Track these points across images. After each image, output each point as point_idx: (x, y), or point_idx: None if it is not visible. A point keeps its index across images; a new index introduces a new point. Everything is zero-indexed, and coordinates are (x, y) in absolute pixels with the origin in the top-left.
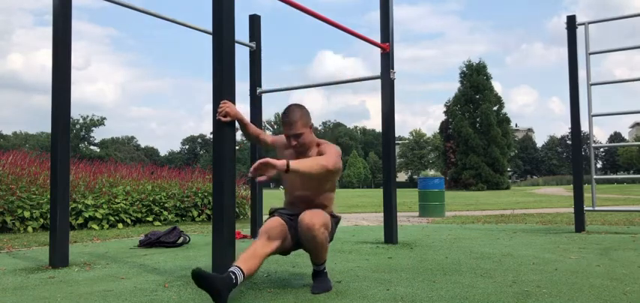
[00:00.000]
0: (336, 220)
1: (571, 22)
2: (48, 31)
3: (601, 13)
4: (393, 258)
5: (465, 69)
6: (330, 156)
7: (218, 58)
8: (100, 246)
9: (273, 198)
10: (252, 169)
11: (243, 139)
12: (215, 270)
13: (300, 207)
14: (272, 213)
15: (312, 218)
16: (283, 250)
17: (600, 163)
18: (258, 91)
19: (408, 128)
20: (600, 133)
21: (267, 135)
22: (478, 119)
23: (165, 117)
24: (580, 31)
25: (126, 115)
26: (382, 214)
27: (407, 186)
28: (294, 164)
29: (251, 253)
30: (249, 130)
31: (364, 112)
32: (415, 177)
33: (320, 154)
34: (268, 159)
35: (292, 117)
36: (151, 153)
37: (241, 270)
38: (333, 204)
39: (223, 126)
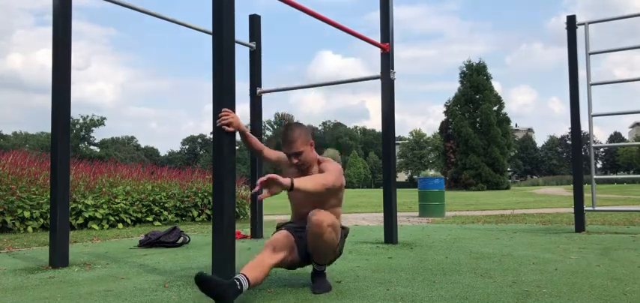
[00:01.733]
0: (344, 232)
1: (571, 22)
2: (48, 31)
3: (600, 13)
4: (393, 258)
5: (465, 69)
6: (330, 173)
7: (218, 58)
8: (100, 246)
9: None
10: (259, 182)
11: None
12: (215, 270)
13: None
14: (279, 227)
15: (321, 216)
16: (290, 264)
17: (600, 163)
18: (258, 91)
19: (408, 128)
20: (600, 133)
21: (271, 151)
22: (478, 119)
23: (165, 117)
24: (580, 31)
25: (126, 115)
26: (382, 214)
27: (407, 186)
28: (298, 183)
29: (257, 263)
30: (252, 143)
31: (364, 112)
32: (415, 177)
33: (321, 172)
34: (276, 176)
35: (291, 136)
36: (150, 153)
37: (247, 278)
38: (340, 218)
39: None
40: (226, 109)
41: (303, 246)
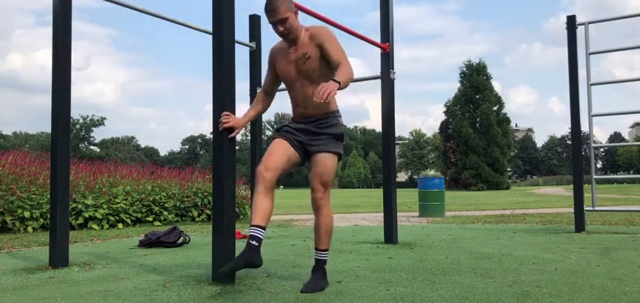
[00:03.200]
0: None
1: (571, 23)
2: (48, 31)
3: (599, 13)
4: (393, 258)
5: (465, 69)
6: (346, 59)
7: (218, 58)
8: (100, 246)
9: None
10: (322, 97)
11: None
12: (215, 270)
13: (314, 109)
14: (275, 131)
15: (328, 212)
16: (292, 167)
17: (600, 163)
18: (258, 91)
19: (408, 128)
20: (600, 133)
21: (265, 86)
22: (478, 119)
23: (165, 117)
24: (579, 31)
25: (126, 115)
26: (382, 214)
27: (407, 186)
28: (343, 84)
29: (257, 208)
30: (258, 110)
31: (364, 112)
32: (415, 177)
33: (315, 41)
34: (333, 87)
35: (274, 3)
36: (150, 153)
37: (259, 227)
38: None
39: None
40: (226, 113)
41: (302, 146)
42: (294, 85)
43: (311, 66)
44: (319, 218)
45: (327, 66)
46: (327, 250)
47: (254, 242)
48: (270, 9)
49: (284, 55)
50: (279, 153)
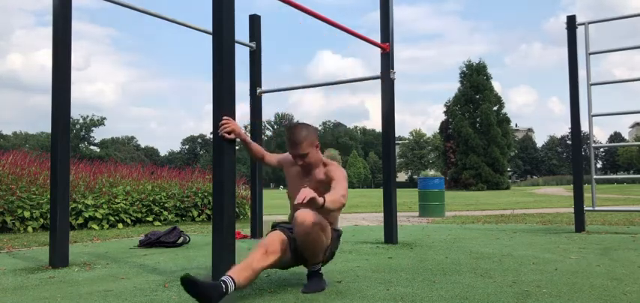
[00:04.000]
0: (337, 233)
1: (571, 23)
2: (48, 31)
3: (598, 13)
4: (393, 258)
5: (465, 69)
6: (343, 187)
7: (218, 58)
8: (100, 246)
9: (274, 198)
10: (300, 199)
11: None
12: (215, 271)
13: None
14: (274, 227)
15: (305, 215)
16: (283, 265)
17: (600, 163)
18: (258, 91)
19: (408, 128)
20: (600, 133)
21: (272, 156)
22: (478, 119)
23: (165, 117)
24: (579, 31)
25: (126, 115)
26: (382, 214)
27: (407, 186)
28: (328, 203)
29: (246, 265)
30: (253, 149)
31: (363, 112)
32: (415, 177)
33: (327, 176)
34: (315, 195)
35: (297, 137)
36: (150, 153)
37: (233, 280)
38: (336, 221)
39: None
40: (227, 117)
41: (296, 246)
42: (294, 195)
43: (314, 188)
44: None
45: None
46: (319, 262)
47: (223, 287)
48: (292, 141)
49: (296, 174)
50: (279, 240)
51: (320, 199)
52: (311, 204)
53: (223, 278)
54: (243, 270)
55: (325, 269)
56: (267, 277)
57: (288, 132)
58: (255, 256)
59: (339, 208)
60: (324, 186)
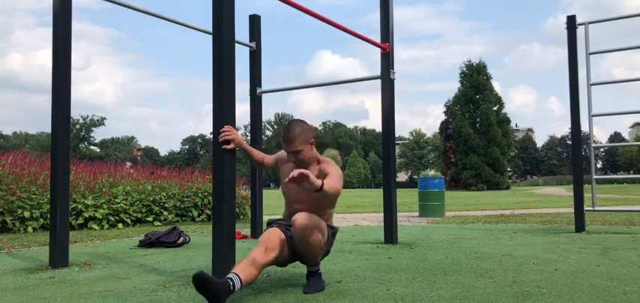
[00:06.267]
0: (333, 231)
1: (571, 23)
2: (48, 31)
3: (597, 13)
4: (393, 258)
5: (465, 69)
6: (337, 181)
7: (218, 58)
8: (100, 246)
9: (274, 198)
10: (290, 178)
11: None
12: (215, 271)
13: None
14: (270, 224)
15: (304, 220)
16: (281, 262)
17: (600, 163)
18: (258, 91)
19: (408, 128)
20: (600, 133)
21: (270, 157)
22: (478, 119)
23: (164, 117)
24: (579, 31)
25: (126, 115)
26: (382, 214)
27: (407, 186)
28: (326, 186)
29: (249, 262)
30: (253, 156)
31: (363, 112)
32: (415, 177)
33: (321, 172)
34: (309, 173)
35: (291, 134)
36: (151, 153)
37: (239, 277)
38: (331, 218)
39: (223, 126)
40: (228, 126)
41: (294, 244)
42: (289, 195)
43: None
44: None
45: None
46: (318, 264)
47: (231, 284)
48: (286, 138)
49: (290, 167)
50: (277, 238)
51: (317, 181)
52: (303, 181)
53: (229, 276)
54: (248, 267)
55: (325, 269)
56: (267, 278)
57: (283, 128)
58: (256, 253)
59: (335, 194)
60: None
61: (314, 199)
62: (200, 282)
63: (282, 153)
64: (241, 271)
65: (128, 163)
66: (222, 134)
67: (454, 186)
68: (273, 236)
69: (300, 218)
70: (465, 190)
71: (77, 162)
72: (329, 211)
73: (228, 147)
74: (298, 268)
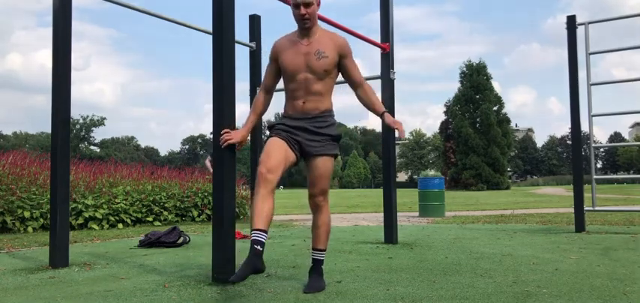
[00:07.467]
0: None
1: (571, 23)
2: (48, 32)
3: (596, 13)
4: (393, 258)
5: (465, 69)
6: (366, 81)
7: (218, 58)
8: (100, 246)
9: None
10: (403, 131)
11: None
12: (215, 270)
13: (313, 101)
14: (270, 129)
15: (328, 218)
16: (290, 167)
17: (600, 163)
18: (258, 90)
19: (408, 128)
20: (600, 133)
21: (267, 82)
22: (478, 119)
23: (164, 117)
24: (579, 31)
25: (126, 115)
26: (382, 214)
27: (407, 186)
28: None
29: (258, 212)
30: (260, 114)
31: (363, 112)
32: (415, 177)
33: (323, 37)
34: (398, 121)
35: None
36: (150, 153)
37: (263, 232)
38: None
39: (223, 126)
40: (227, 130)
41: (299, 146)
42: (296, 78)
43: (324, 65)
44: (319, 219)
45: (336, 73)
46: (325, 250)
47: (258, 247)
48: None
49: (291, 47)
50: (279, 153)
51: (397, 122)
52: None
53: (255, 237)
54: (263, 219)
55: (325, 269)
56: (267, 277)
57: None
58: (258, 198)
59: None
60: (333, 59)
61: (328, 87)
62: (239, 280)
63: (275, 49)
64: (261, 224)
65: (209, 158)
66: (222, 138)
67: (454, 186)
68: (273, 158)
69: (324, 217)
70: (465, 190)
71: (77, 162)
72: (330, 98)
73: (237, 148)
74: (298, 269)
